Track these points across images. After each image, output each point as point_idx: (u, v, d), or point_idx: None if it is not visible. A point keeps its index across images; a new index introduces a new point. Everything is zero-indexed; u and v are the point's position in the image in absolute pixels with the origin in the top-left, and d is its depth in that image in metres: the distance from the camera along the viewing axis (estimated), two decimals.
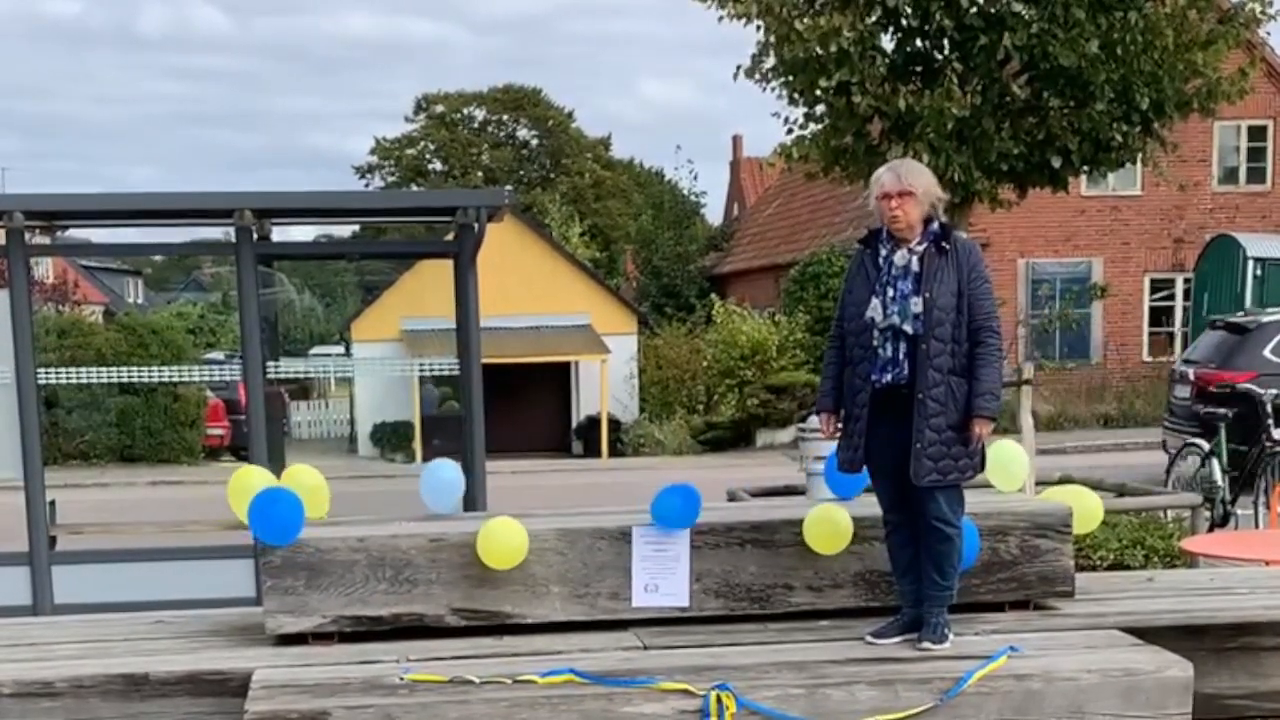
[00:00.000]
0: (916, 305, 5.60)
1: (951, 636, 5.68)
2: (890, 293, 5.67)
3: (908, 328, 5.60)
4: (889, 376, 5.66)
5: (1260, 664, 6.04)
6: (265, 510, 5.80)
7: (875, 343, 5.67)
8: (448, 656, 5.56)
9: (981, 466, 5.82)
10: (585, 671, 5.28)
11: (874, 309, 5.67)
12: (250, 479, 6.16)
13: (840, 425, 5.90)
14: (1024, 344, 27.60)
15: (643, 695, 5.16)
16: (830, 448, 6.20)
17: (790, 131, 13.12)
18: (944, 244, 5.66)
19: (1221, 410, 12.38)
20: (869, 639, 5.77)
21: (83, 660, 5.69)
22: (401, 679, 5.26)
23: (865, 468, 5.84)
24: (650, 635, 5.87)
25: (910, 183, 5.67)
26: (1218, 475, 11.50)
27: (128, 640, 6.08)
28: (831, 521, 6.05)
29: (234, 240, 8.65)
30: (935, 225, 5.71)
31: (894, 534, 5.88)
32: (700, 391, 30.31)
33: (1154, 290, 30.02)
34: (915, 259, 5.66)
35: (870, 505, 6.38)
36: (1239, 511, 11.40)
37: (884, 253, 5.74)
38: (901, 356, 5.64)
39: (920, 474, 5.58)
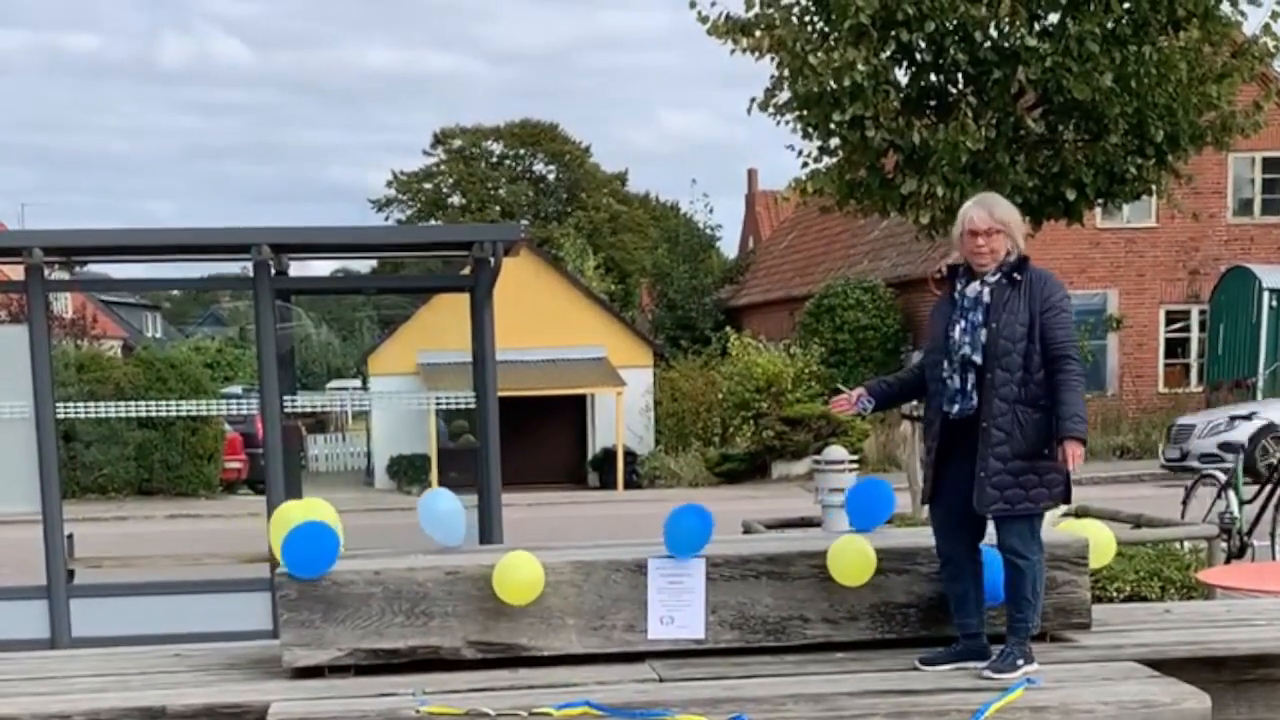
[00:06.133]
0: (984, 336, 5.67)
1: (1025, 668, 5.63)
2: (963, 324, 5.74)
3: (976, 358, 5.67)
4: (957, 408, 5.72)
5: (1278, 696, 6.02)
6: (300, 544, 5.81)
7: (945, 374, 5.75)
8: (464, 689, 5.57)
9: (1064, 498, 5.81)
10: (601, 704, 5.28)
11: (957, 333, 5.74)
12: (291, 514, 6.16)
13: (859, 401, 6.03)
14: None
15: None
16: (847, 480, 6.25)
17: (805, 165, 13.18)
18: (1016, 275, 5.70)
19: (1238, 440, 12.35)
20: (918, 664, 5.79)
21: (100, 694, 5.70)
22: (417, 712, 5.26)
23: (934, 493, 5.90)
24: (666, 667, 5.88)
25: (1001, 217, 5.74)
26: (1234, 507, 11.46)
27: (145, 673, 6.09)
28: (858, 551, 6.05)
29: (252, 275, 8.71)
30: (1012, 256, 5.75)
31: (945, 566, 5.92)
32: (715, 423, 30.29)
33: (1169, 322, 29.96)
34: (987, 290, 5.72)
35: (889, 537, 6.41)
36: (1256, 543, 11.35)
37: (960, 286, 5.82)
38: (970, 388, 5.70)
39: (984, 503, 5.63)
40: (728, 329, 34.25)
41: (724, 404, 29.90)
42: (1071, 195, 12.13)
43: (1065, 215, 12.68)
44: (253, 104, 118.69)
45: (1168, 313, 29.92)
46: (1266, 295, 26.85)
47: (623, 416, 30.12)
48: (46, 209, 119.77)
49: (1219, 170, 28.30)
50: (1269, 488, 11.57)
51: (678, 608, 6.02)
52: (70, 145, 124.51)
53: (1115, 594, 9.31)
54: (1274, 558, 11.17)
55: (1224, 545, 10.63)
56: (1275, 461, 11.68)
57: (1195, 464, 19.16)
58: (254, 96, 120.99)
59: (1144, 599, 9.17)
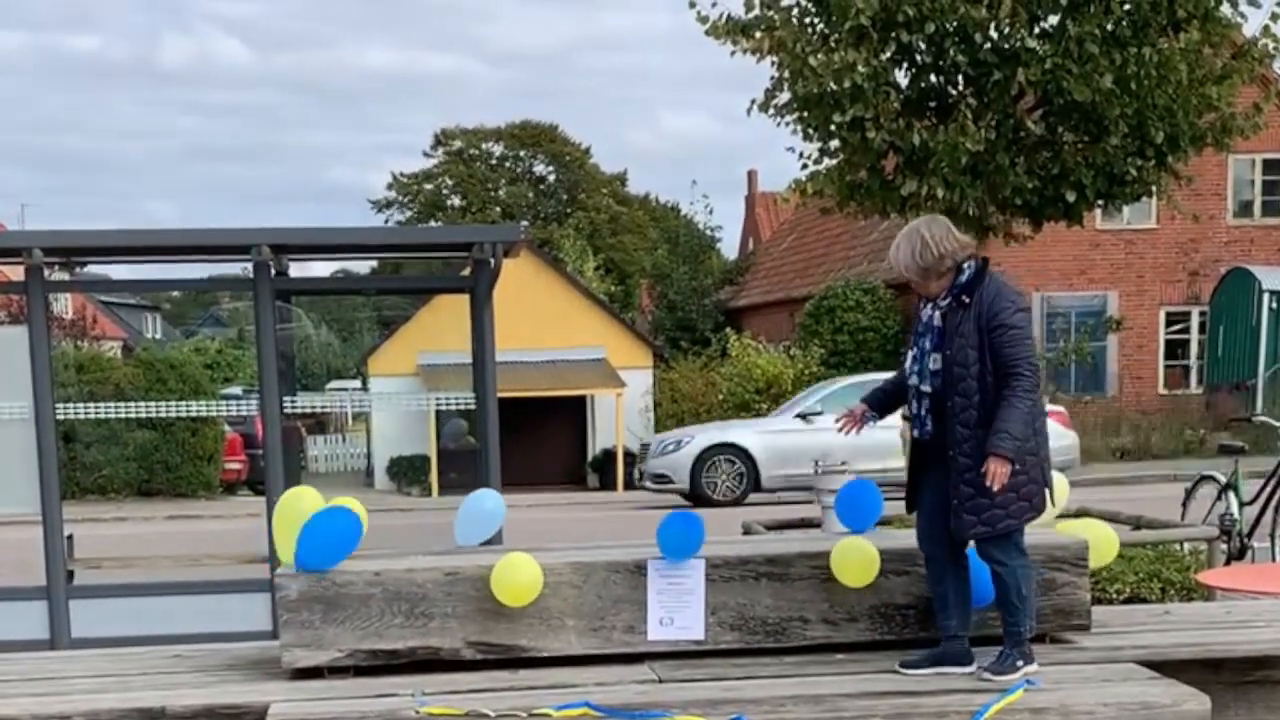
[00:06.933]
0: (934, 362, 5.64)
1: (1025, 669, 5.63)
2: (914, 351, 5.76)
3: (925, 386, 5.68)
4: (918, 432, 5.77)
5: (1278, 698, 6.02)
6: (319, 531, 5.84)
7: (910, 398, 5.80)
8: (463, 690, 5.57)
9: (1043, 507, 5.78)
10: (601, 705, 5.28)
11: (908, 362, 5.81)
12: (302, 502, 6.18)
13: (865, 416, 6.06)
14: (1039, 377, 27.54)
15: None
16: (840, 481, 6.26)
17: (805, 166, 13.18)
18: (965, 297, 5.62)
19: (1239, 443, 12.34)
20: (899, 668, 5.78)
21: (100, 694, 5.70)
22: (417, 713, 5.26)
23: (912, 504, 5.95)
24: (666, 668, 5.87)
25: (902, 262, 5.69)
26: (1234, 508, 11.46)
27: (145, 674, 6.09)
28: (861, 552, 6.05)
29: (252, 276, 8.71)
30: (962, 277, 5.66)
31: (928, 567, 5.93)
32: None
33: (1169, 323, 29.97)
34: (938, 314, 5.69)
35: (888, 539, 6.40)
36: (1256, 545, 11.35)
37: (921, 306, 5.83)
38: (924, 413, 5.71)
39: (963, 529, 5.61)
40: (727, 330, 34.23)
41: (724, 405, 29.88)
42: (1071, 196, 12.14)
43: (1065, 216, 12.69)
44: (253, 105, 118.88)
45: (1168, 314, 29.93)
46: (1266, 297, 26.87)
47: (622, 417, 30.14)
48: (46, 210, 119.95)
49: (1219, 172, 28.31)
50: (1269, 489, 11.56)
51: (677, 609, 6.01)
52: (70, 146, 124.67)
53: (1115, 595, 9.30)
54: (1274, 559, 11.16)
55: (1224, 547, 10.62)
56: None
57: (649, 484, 22.03)
58: (254, 97, 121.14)
59: (1144, 600, 9.16)
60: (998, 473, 5.46)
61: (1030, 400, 5.55)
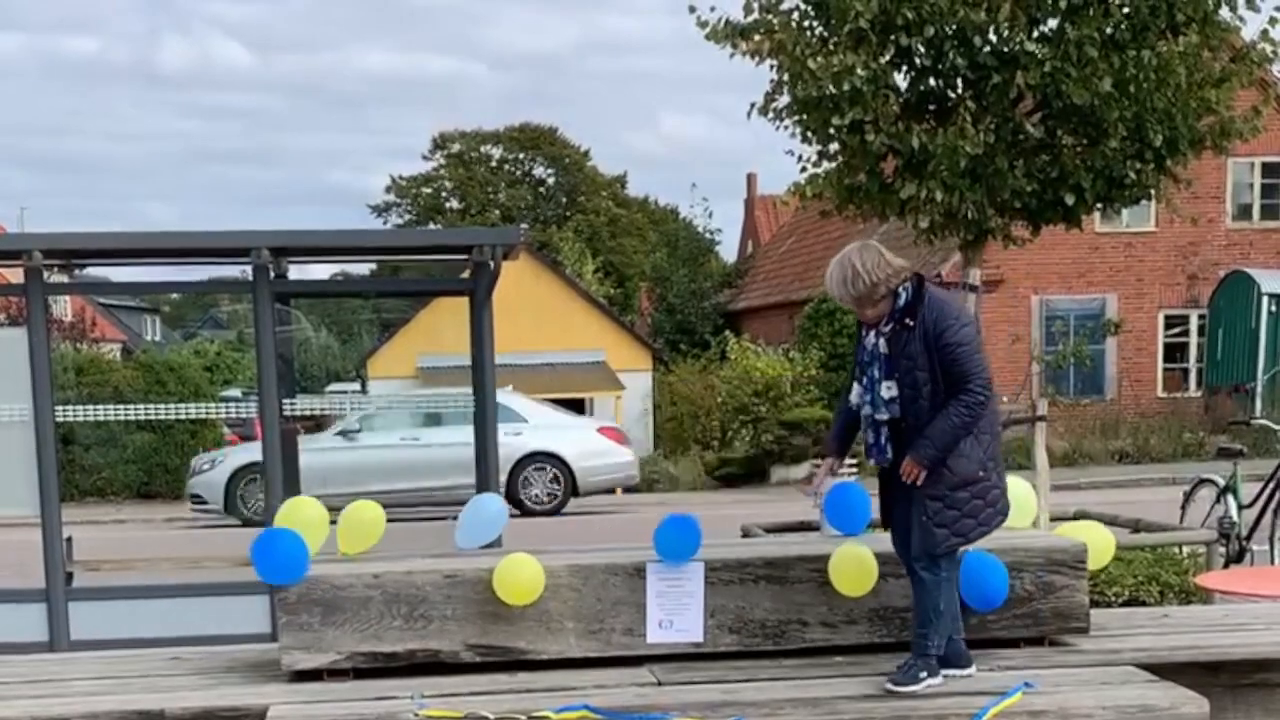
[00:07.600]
0: (888, 390, 5.61)
1: (927, 680, 5.55)
2: (864, 380, 5.72)
3: (881, 415, 5.65)
4: (876, 461, 5.78)
5: (1276, 700, 6.03)
6: (267, 550, 5.84)
7: (866, 429, 5.77)
8: (463, 692, 5.58)
9: (1007, 511, 5.77)
10: (600, 708, 5.29)
11: (856, 395, 5.77)
12: (301, 510, 6.19)
13: (832, 470, 6.06)
14: (1038, 380, 27.58)
15: None
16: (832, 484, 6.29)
17: (804, 169, 13.15)
18: (908, 320, 5.56)
19: (1237, 446, 12.35)
20: (889, 687, 5.64)
21: (99, 696, 5.71)
22: (416, 715, 5.27)
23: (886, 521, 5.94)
24: (665, 671, 5.88)
25: (839, 294, 5.63)
26: (1233, 511, 11.47)
27: (144, 676, 6.10)
28: (859, 561, 6.04)
29: (251, 278, 8.71)
30: (901, 300, 5.59)
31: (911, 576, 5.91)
32: (714, 427, 30.27)
33: (1168, 326, 29.97)
34: (883, 340, 5.63)
35: (886, 543, 6.41)
36: (1255, 548, 11.36)
37: (864, 334, 5.77)
38: (884, 441, 5.69)
39: (935, 544, 5.57)
40: (727, 333, 34.23)
41: (723, 408, 29.90)
42: (1070, 200, 12.10)
43: (1064, 220, 12.65)
44: (253, 107, 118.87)
45: (1167, 317, 29.93)
46: (1265, 300, 26.89)
47: (622, 420, 30.10)
48: (46, 213, 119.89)
49: (1218, 175, 28.30)
50: (1268, 492, 11.57)
51: (676, 611, 6.02)
52: (70, 148, 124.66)
53: (1114, 598, 9.31)
54: (1273, 562, 11.17)
55: (1222, 550, 10.63)
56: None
57: (191, 505, 21.88)
58: (254, 100, 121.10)
59: (1142, 603, 9.17)
60: (908, 471, 5.51)
61: (969, 414, 5.47)
